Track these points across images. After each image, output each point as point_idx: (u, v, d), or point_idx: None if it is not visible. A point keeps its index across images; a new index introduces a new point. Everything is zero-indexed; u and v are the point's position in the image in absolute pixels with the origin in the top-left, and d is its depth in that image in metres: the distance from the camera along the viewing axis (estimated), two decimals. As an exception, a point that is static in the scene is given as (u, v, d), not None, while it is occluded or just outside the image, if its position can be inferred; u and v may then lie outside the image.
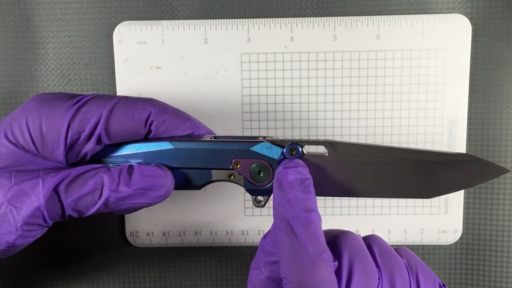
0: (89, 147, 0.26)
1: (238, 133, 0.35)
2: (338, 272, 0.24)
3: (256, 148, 0.27)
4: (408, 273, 0.25)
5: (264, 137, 0.27)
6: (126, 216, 0.36)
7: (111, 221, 0.37)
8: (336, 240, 0.25)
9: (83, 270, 0.38)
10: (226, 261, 0.37)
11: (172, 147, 0.27)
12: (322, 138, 0.35)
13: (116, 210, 0.26)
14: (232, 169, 0.27)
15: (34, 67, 0.35)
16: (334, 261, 0.23)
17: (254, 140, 0.27)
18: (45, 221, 0.25)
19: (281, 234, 0.23)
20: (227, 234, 0.36)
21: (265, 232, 0.28)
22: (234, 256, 0.37)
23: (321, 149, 0.26)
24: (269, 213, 0.36)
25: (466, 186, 0.26)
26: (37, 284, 0.38)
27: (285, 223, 0.23)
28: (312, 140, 0.26)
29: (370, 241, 0.26)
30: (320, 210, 0.36)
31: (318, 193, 0.26)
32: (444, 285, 0.26)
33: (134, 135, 0.27)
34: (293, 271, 0.23)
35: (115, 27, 0.34)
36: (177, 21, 0.34)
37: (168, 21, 0.34)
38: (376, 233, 0.36)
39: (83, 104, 0.26)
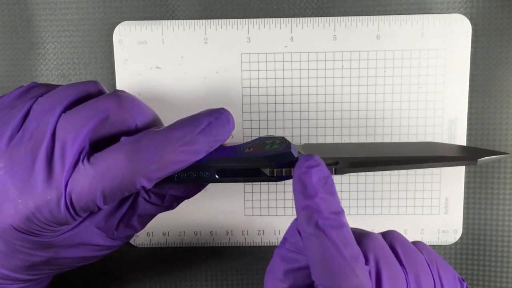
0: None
1: (238, 133, 0.35)
2: None
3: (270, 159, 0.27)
4: (431, 270, 0.25)
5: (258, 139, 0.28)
6: (126, 216, 0.36)
7: (111, 221, 0.37)
8: (360, 244, 0.24)
9: (83, 270, 0.38)
10: (226, 261, 0.37)
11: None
12: (322, 139, 0.35)
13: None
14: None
15: (34, 67, 0.35)
16: (367, 265, 0.23)
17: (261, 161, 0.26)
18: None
19: (312, 239, 0.23)
20: (227, 234, 0.36)
21: (275, 236, 0.27)
22: (234, 256, 0.37)
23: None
24: (269, 213, 0.36)
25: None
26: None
27: (315, 227, 0.23)
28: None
29: (392, 240, 0.26)
30: (320, 210, 0.36)
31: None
32: (463, 280, 0.26)
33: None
34: (330, 278, 0.22)
35: (115, 27, 0.34)
36: (177, 21, 0.34)
37: (168, 21, 0.34)
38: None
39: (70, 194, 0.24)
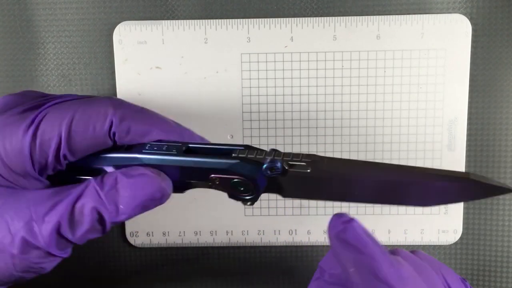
0: (59, 167, 0.25)
1: (238, 133, 0.35)
2: None
3: (232, 168, 0.24)
4: (439, 279, 0.24)
5: (244, 147, 0.25)
6: (126, 216, 0.36)
7: (111, 221, 0.37)
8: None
9: (83, 270, 0.38)
10: (226, 261, 0.37)
11: (141, 162, 0.25)
12: (322, 139, 0.35)
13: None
14: (211, 183, 0.25)
15: (34, 67, 0.35)
16: None
17: (229, 160, 0.24)
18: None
19: None
20: (227, 234, 0.36)
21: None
22: (234, 256, 0.37)
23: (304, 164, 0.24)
24: (269, 213, 0.36)
25: (466, 201, 0.26)
26: (37, 285, 0.38)
27: (376, 280, 0.21)
28: (293, 154, 0.24)
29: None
30: (320, 210, 0.36)
31: (308, 199, 0.26)
32: (464, 280, 0.25)
33: (101, 147, 0.25)
34: None
35: (115, 27, 0.34)
36: (177, 21, 0.34)
37: (168, 21, 0.34)
38: (376, 233, 0.36)
39: (38, 125, 0.24)
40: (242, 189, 0.25)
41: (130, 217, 0.24)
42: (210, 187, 0.26)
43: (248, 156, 0.24)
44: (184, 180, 0.26)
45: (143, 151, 0.25)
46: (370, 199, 0.25)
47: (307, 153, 0.25)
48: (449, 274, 0.25)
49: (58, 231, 0.23)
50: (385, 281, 0.21)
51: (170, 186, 0.25)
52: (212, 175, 0.25)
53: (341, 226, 0.22)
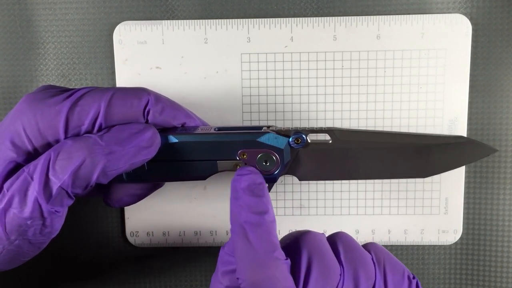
0: None
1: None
2: (296, 269, 0.25)
3: (262, 139, 0.27)
4: (375, 267, 0.26)
5: (268, 127, 0.28)
6: (126, 216, 0.36)
7: (111, 221, 0.37)
8: (296, 241, 0.26)
9: (83, 270, 0.38)
10: (226, 261, 0.37)
11: (176, 141, 0.27)
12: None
13: (115, 176, 0.26)
14: (239, 159, 0.27)
15: (34, 67, 0.35)
16: (286, 259, 0.24)
17: (259, 131, 0.27)
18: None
19: (236, 238, 0.25)
20: (227, 234, 0.36)
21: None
22: (234, 256, 0.37)
23: (325, 137, 0.28)
24: (269, 213, 0.36)
25: (460, 165, 0.29)
26: (37, 284, 0.38)
27: (239, 226, 0.25)
28: (316, 128, 0.28)
29: (335, 239, 0.27)
30: (320, 210, 0.36)
31: (322, 178, 0.29)
32: (414, 277, 0.27)
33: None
34: (246, 271, 0.24)
35: (115, 27, 0.34)
36: (177, 21, 0.34)
37: (168, 21, 0.34)
38: (376, 234, 0.36)
39: (78, 98, 0.25)
40: (267, 163, 0.28)
41: (121, 164, 0.25)
42: (235, 168, 0.28)
43: (276, 130, 0.28)
44: (213, 158, 0.28)
45: (177, 132, 0.28)
46: (382, 171, 0.29)
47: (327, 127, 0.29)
48: (393, 267, 0.26)
49: (46, 173, 0.24)
50: (242, 225, 0.25)
51: (158, 138, 0.27)
52: (241, 150, 0.27)
53: (236, 177, 0.26)
